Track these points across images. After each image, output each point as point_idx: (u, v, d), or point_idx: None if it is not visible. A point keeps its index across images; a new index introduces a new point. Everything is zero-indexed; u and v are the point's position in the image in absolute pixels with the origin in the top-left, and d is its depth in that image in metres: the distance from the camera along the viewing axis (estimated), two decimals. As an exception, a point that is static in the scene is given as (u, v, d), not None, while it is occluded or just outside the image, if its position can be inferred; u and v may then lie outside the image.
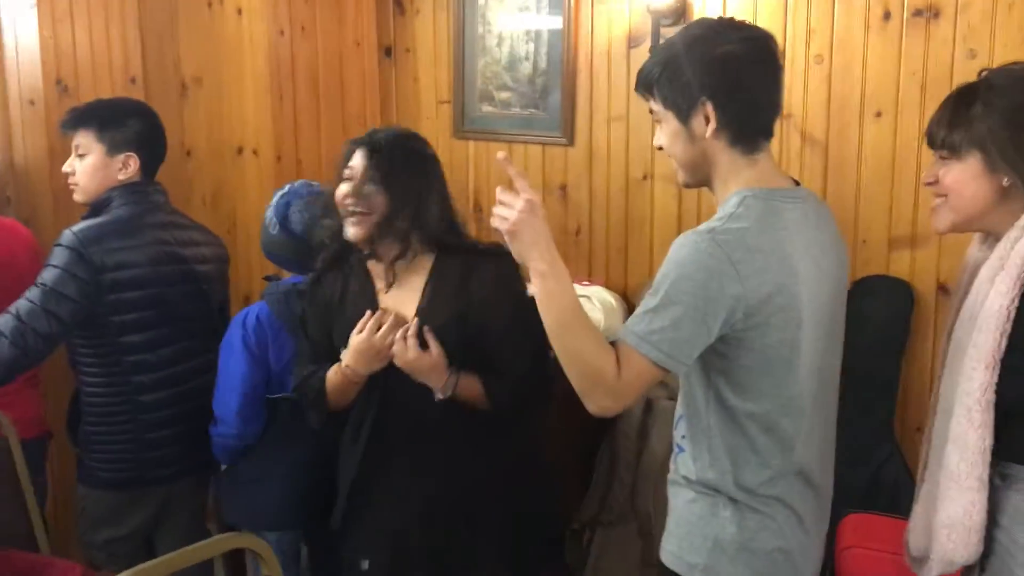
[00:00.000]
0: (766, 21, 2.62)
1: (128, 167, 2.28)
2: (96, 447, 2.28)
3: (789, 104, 2.63)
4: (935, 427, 1.58)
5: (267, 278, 2.37)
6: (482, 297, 1.97)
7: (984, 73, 1.58)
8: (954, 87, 2.34)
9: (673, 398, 1.84)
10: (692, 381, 1.64)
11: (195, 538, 2.27)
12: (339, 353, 1.99)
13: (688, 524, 1.65)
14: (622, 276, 3.07)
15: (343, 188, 1.96)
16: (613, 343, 1.54)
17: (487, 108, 3.27)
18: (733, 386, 1.57)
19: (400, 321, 1.95)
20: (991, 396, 1.46)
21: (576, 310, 1.54)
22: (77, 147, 2.30)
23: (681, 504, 1.68)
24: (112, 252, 2.19)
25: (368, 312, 1.96)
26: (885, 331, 2.55)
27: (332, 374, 2.00)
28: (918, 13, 2.45)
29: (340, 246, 2.03)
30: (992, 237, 1.57)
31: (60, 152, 2.63)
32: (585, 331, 1.53)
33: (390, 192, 1.92)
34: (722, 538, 1.61)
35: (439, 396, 1.94)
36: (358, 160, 1.96)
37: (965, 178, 1.50)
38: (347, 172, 1.96)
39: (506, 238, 1.55)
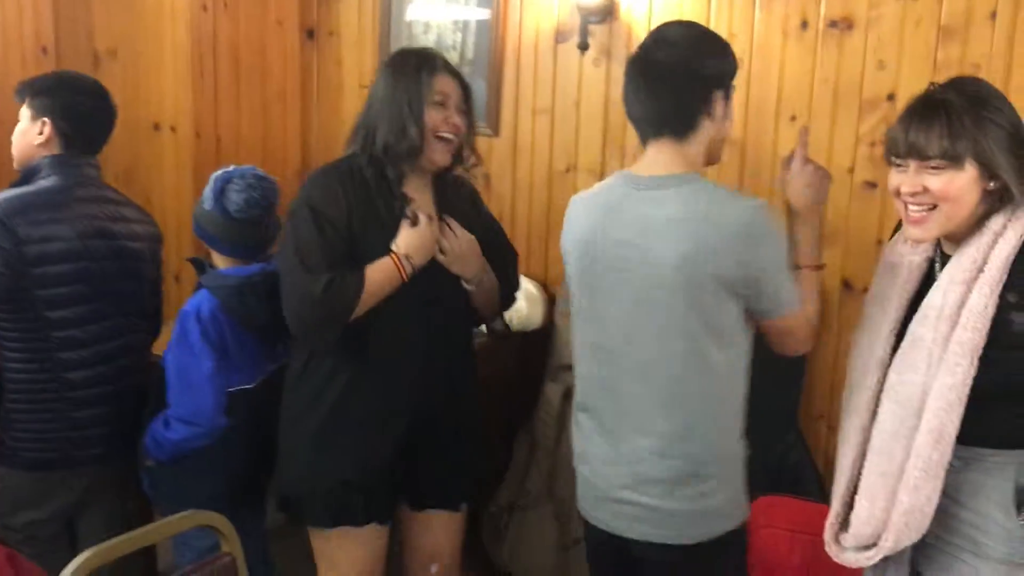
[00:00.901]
0: (690, 24, 2.72)
1: (43, 133, 2.21)
2: (18, 426, 2.17)
3: (709, 105, 2.74)
4: (881, 421, 1.65)
5: (192, 260, 2.29)
6: (475, 204, 2.21)
7: (935, 86, 1.62)
8: (864, 95, 2.54)
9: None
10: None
11: (119, 522, 2.22)
12: (365, 255, 1.97)
13: None
14: (543, 266, 3.14)
15: (442, 115, 2.00)
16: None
17: (411, 95, 3.27)
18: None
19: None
20: (968, 388, 1.55)
21: None
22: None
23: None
24: (38, 224, 2.10)
25: (411, 210, 2.01)
26: (792, 324, 2.69)
27: (375, 271, 1.96)
28: (833, 24, 2.59)
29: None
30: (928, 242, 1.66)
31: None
32: None
33: (470, 115, 2.10)
34: None
35: (471, 286, 2.10)
36: (451, 87, 2.03)
37: (965, 186, 1.57)
38: (439, 97, 2.00)
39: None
